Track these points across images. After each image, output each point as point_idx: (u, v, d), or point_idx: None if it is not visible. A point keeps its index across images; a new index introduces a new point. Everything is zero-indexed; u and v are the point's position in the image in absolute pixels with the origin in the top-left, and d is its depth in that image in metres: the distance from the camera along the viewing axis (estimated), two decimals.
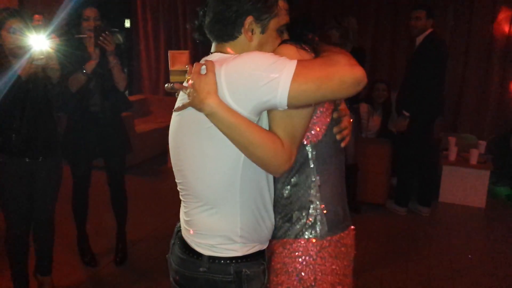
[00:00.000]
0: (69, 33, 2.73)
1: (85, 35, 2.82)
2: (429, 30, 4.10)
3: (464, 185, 4.69)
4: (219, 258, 1.29)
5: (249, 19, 1.24)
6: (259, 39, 1.28)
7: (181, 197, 1.40)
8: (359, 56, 4.09)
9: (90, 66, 2.87)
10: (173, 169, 1.39)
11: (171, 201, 3.36)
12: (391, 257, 3.57)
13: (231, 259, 1.29)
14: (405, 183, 4.44)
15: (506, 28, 5.66)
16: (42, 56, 2.32)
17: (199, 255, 1.31)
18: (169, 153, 1.41)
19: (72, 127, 3.06)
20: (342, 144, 1.43)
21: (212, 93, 1.15)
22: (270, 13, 1.26)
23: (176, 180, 1.39)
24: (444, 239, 3.97)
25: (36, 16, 2.53)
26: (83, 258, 3.30)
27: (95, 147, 3.12)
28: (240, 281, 1.29)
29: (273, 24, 1.27)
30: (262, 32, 1.27)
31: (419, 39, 4.12)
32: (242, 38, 1.27)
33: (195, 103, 1.18)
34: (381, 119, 5.02)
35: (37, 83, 2.45)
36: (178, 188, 1.40)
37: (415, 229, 4.14)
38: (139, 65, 7.56)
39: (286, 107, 1.15)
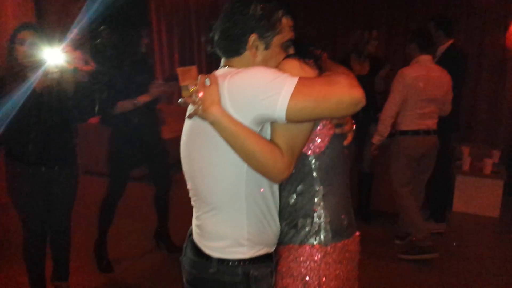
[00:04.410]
0: (85, 46, 2.83)
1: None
2: (450, 41, 4.03)
3: (478, 194, 4.66)
4: (228, 260, 1.36)
5: (253, 36, 1.32)
6: (263, 55, 1.35)
7: (192, 203, 1.48)
8: (376, 65, 4.13)
9: (143, 99, 3.12)
10: (185, 176, 1.47)
11: (184, 209, 3.42)
12: (403, 266, 3.57)
13: (239, 261, 1.36)
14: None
15: None
16: (56, 70, 2.41)
17: (209, 257, 1.38)
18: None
19: (116, 139, 3.28)
20: (345, 142, 1.47)
21: (215, 103, 1.23)
22: (273, 30, 1.32)
23: (188, 187, 1.47)
24: (457, 248, 3.94)
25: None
26: (99, 264, 3.38)
27: (139, 156, 3.35)
28: (248, 282, 1.35)
29: (277, 40, 1.34)
30: (266, 48, 1.34)
31: (440, 50, 4.04)
32: (247, 54, 1.35)
33: (199, 112, 1.25)
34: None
35: (51, 96, 2.52)
36: (189, 194, 1.47)
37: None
38: (154, 75, 7.69)
39: (285, 122, 1.21)
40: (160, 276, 3.34)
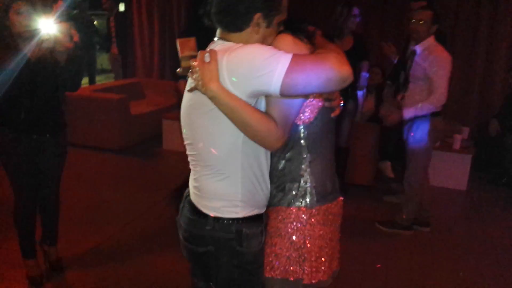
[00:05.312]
0: (78, 17, 2.83)
1: None
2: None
3: (447, 169, 4.89)
4: (223, 219, 1.50)
5: (258, 15, 1.40)
6: (263, 33, 1.44)
7: (191, 167, 1.60)
8: (358, 42, 4.23)
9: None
10: (185, 142, 1.58)
11: (164, 181, 3.56)
12: (376, 237, 3.78)
13: (233, 219, 1.50)
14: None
15: (490, 15, 5.84)
16: (50, 39, 2.41)
17: (205, 215, 1.52)
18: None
19: None
20: (332, 115, 1.59)
21: (214, 79, 1.33)
22: (276, 10, 1.42)
23: (187, 152, 1.59)
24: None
25: (60, 1, 2.63)
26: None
27: None
28: (240, 238, 1.49)
29: (277, 19, 1.44)
30: (267, 26, 1.43)
31: None
32: (248, 31, 1.43)
33: (199, 87, 1.36)
34: (374, 102, 5.21)
35: (46, 65, 2.56)
36: (188, 159, 1.59)
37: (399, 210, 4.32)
38: (133, 48, 7.66)
39: (279, 96, 1.32)
40: (144, 242, 3.44)
